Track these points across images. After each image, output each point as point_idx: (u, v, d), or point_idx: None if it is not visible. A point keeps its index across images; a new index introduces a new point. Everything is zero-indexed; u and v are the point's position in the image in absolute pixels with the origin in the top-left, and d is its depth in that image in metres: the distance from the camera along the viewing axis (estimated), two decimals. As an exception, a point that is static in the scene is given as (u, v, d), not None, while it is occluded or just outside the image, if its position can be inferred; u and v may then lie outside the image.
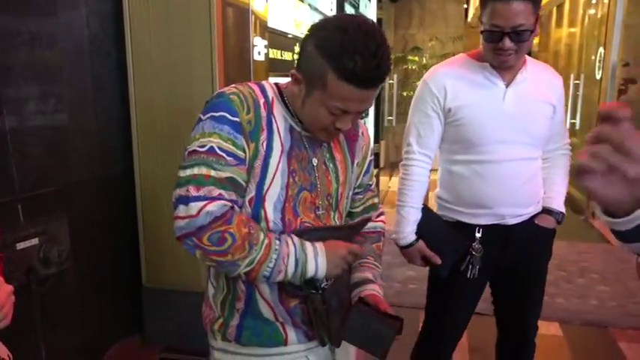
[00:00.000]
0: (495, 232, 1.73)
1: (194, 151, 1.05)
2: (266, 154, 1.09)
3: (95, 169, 2.48)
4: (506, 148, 1.67)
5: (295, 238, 1.09)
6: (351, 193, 1.30)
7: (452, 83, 1.68)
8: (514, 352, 2.03)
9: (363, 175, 1.33)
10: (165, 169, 2.50)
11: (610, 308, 3.29)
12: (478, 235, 1.73)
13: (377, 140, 6.11)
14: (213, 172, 1.03)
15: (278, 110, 1.13)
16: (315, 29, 1.08)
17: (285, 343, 1.18)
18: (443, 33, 8.71)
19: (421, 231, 1.76)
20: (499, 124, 1.66)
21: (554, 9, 8.25)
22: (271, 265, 1.04)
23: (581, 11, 7.02)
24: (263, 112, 1.10)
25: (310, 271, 1.08)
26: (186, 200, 1.02)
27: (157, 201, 2.55)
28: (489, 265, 1.77)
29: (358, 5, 5.95)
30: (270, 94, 1.14)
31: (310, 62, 1.06)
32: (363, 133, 1.32)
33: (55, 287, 2.26)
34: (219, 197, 1.02)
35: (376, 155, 5.79)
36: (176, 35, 2.35)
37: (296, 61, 1.12)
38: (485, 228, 1.73)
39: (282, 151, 1.12)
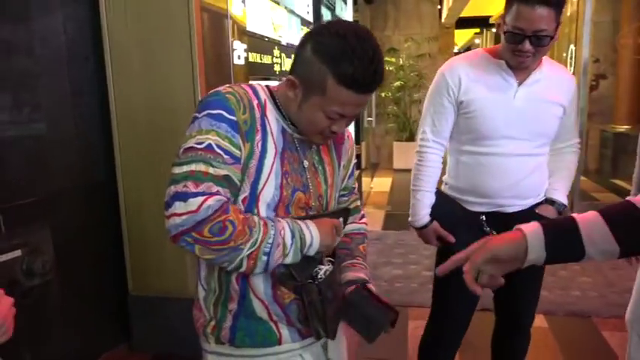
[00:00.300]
0: (495, 218, 1.81)
1: (191, 147, 1.03)
2: (261, 155, 1.09)
3: (76, 177, 2.44)
4: (512, 143, 1.75)
5: (284, 218, 1.10)
6: (337, 195, 1.31)
7: (467, 76, 1.76)
8: (510, 342, 2.08)
9: (348, 178, 1.35)
10: (148, 174, 2.48)
11: (592, 298, 3.36)
12: (483, 218, 1.82)
13: (357, 142, 6.14)
14: (211, 170, 1.01)
15: (271, 112, 1.14)
16: (312, 35, 1.09)
17: (279, 342, 1.17)
18: (418, 34, 8.80)
19: (435, 213, 1.86)
20: (508, 119, 1.73)
21: (526, 8, 8.40)
22: (270, 241, 1.04)
23: (551, 10, 7.17)
24: (257, 113, 1.10)
25: (307, 240, 1.09)
26: (184, 196, 0.99)
27: (141, 207, 2.52)
28: None
29: (334, 7, 5.98)
30: (263, 96, 1.14)
31: (308, 67, 1.06)
32: (348, 137, 1.34)
33: (40, 299, 2.22)
34: (217, 193, 1.01)
35: (357, 157, 5.82)
36: (155, 39, 2.33)
37: (291, 66, 1.12)
38: (487, 215, 1.82)
39: (275, 153, 1.12)
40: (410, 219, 1.90)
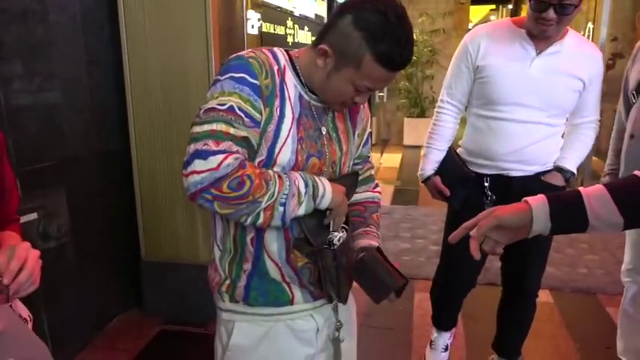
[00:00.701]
0: (499, 181, 1.91)
1: (212, 108, 1.05)
2: (279, 120, 1.11)
3: (92, 144, 2.48)
4: (521, 110, 1.81)
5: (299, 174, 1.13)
6: (352, 163, 1.33)
7: (486, 43, 1.83)
8: (516, 311, 2.15)
9: (363, 147, 1.36)
10: (161, 142, 2.51)
11: (598, 276, 3.38)
12: (486, 184, 1.92)
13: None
14: (232, 130, 1.03)
15: (289, 78, 1.14)
16: (352, 8, 1.09)
17: (291, 302, 1.21)
18: (432, 9, 8.65)
19: (440, 169, 2.01)
20: (520, 87, 1.79)
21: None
22: (286, 191, 1.06)
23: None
24: (277, 79, 1.11)
25: (320, 189, 1.11)
26: (205, 154, 1.01)
27: (154, 175, 2.56)
28: None
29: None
30: (282, 61, 1.15)
31: (345, 39, 1.07)
32: (364, 106, 1.34)
33: (55, 261, 2.28)
34: (237, 153, 1.03)
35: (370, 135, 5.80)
36: (170, 7, 2.34)
37: (321, 34, 1.13)
38: (491, 177, 1.92)
39: (293, 118, 1.13)
40: (419, 172, 2.07)
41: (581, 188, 0.94)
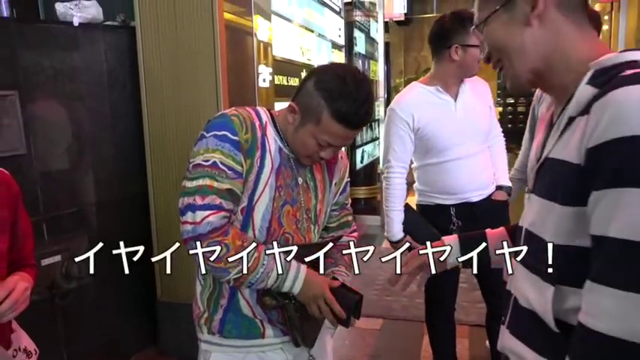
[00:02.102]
0: (464, 208, 2.18)
1: (199, 164, 1.20)
2: (259, 170, 1.24)
3: (113, 191, 2.68)
4: (462, 148, 2.12)
5: (282, 257, 1.21)
6: (329, 210, 1.45)
7: (416, 108, 2.11)
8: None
9: (340, 195, 1.48)
10: (176, 190, 2.67)
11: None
12: (453, 212, 2.18)
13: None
14: (215, 184, 1.18)
15: (270, 133, 1.28)
16: (316, 72, 1.26)
17: (262, 336, 1.32)
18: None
19: (406, 228, 2.18)
20: (455, 130, 2.11)
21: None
22: (257, 276, 1.19)
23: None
24: (258, 133, 1.25)
25: (285, 288, 1.24)
26: (193, 208, 1.17)
27: (170, 219, 2.72)
28: None
29: (369, 29, 6.16)
30: (264, 118, 1.29)
31: (309, 99, 1.22)
32: (342, 157, 1.48)
33: (76, 300, 2.44)
34: (220, 206, 1.17)
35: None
36: (184, 65, 2.56)
37: (294, 94, 1.29)
38: (456, 207, 2.18)
39: (271, 169, 1.26)
40: (386, 234, 2.23)
41: (487, 230, 1.13)
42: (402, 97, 2.20)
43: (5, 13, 2.16)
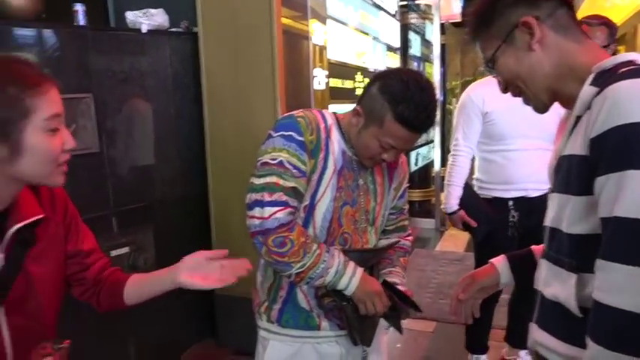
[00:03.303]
0: (522, 202, 2.30)
1: (266, 162, 1.27)
2: (322, 171, 1.30)
3: (176, 189, 2.82)
4: (527, 141, 2.25)
5: (342, 256, 1.29)
6: (387, 213, 1.48)
7: (488, 93, 2.23)
8: (530, 301, 2.31)
9: (398, 199, 1.52)
10: (234, 189, 2.79)
11: None
12: (511, 205, 2.31)
13: (443, 164, 6.15)
14: (281, 182, 1.25)
15: (335, 135, 1.34)
16: (381, 77, 1.32)
17: (318, 328, 1.38)
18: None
19: (462, 203, 2.37)
20: (522, 122, 2.19)
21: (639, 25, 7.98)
22: (317, 271, 1.25)
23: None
24: (323, 135, 1.31)
25: (341, 286, 1.28)
26: (261, 204, 1.24)
27: (228, 216, 2.83)
28: (519, 228, 2.35)
29: (424, 32, 6.13)
30: (330, 121, 1.36)
31: (373, 102, 1.27)
32: (402, 163, 1.51)
33: (141, 291, 2.59)
34: (286, 203, 1.24)
35: (442, 178, 5.84)
36: (243, 69, 2.66)
37: (359, 98, 1.34)
38: (515, 200, 2.31)
39: (334, 170, 1.32)
40: (442, 206, 2.55)
41: (532, 247, 1.18)
42: (478, 85, 2.39)
43: (82, 22, 2.34)
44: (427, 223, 5.69)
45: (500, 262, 1.19)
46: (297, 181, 1.26)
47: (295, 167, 1.26)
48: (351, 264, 1.29)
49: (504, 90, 1.05)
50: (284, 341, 1.39)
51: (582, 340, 0.84)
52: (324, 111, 1.40)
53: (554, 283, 0.94)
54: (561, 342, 0.93)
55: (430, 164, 6.14)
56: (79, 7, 2.31)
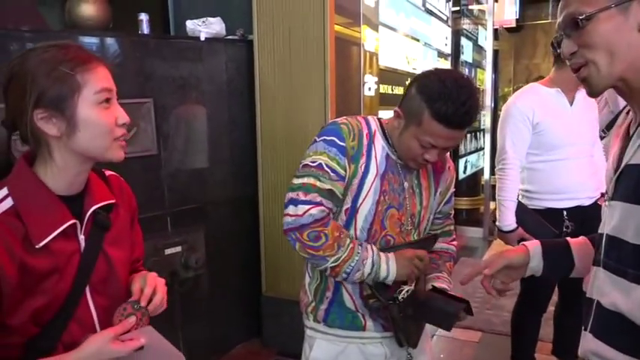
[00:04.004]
0: (576, 212, 2.25)
1: (307, 165, 1.32)
2: (363, 175, 1.33)
3: (228, 191, 2.91)
4: (574, 149, 2.24)
5: (374, 247, 1.33)
6: (431, 217, 1.50)
7: (537, 104, 2.24)
8: (574, 311, 2.22)
9: (445, 204, 1.52)
10: (283, 192, 2.84)
11: None
12: (565, 216, 2.25)
13: (493, 172, 6.02)
14: (318, 183, 1.29)
15: (378, 140, 1.37)
16: (419, 77, 1.33)
17: (363, 328, 1.40)
18: (570, 61, 8.34)
19: (518, 219, 2.27)
20: (569, 131, 2.21)
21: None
22: (352, 264, 1.28)
23: None
24: (365, 141, 1.34)
25: (383, 273, 1.30)
26: (295, 202, 1.29)
27: (277, 221, 2.89)
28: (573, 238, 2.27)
29: (477, 38, 6.03)
30: (374, 127, 1.39)
31: (411, 102, 1.29)
32: (449, 168, 1.52)
33: (192, 289, 2.69)
34: (321, 203, 1.28)
35: (492, 187, 5.72)
36: (295, 76, 2.72)
37: (400, 101, 1.37)
38: (569, 210, 2.26)
39: (376, 174, 1.35)
40: (498, 224, 2.34)
41: (568, 238, 1.14)
42: (523, 94, 2.34)
43: (146, 31, 2.46)
44: (475, 232, 5.59)
45: (533, 245, 1.14)
46: (334, 184, 1.30)
47: (334, 171, 1.30)
48: (382, 253, 1.32)
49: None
50: (330, 340, 1.43)
51: None
52: (369, 117, 1.43)
53: (614, 293, 0.91)
54: (620, 353, 0.90)
55: (479, 172, 6.03)
56: (144, 17, 2.44)
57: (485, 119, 5.84)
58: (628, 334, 0.89)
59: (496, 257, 1.14)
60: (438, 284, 1.44)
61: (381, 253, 1.32)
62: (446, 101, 1.22)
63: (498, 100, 7.14)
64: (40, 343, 0.95)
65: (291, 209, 1.30)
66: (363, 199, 1.34)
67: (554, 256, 1.12)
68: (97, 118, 0.97)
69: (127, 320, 0.99)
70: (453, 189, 1.54)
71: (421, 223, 1.44)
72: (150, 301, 1.03)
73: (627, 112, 1.00)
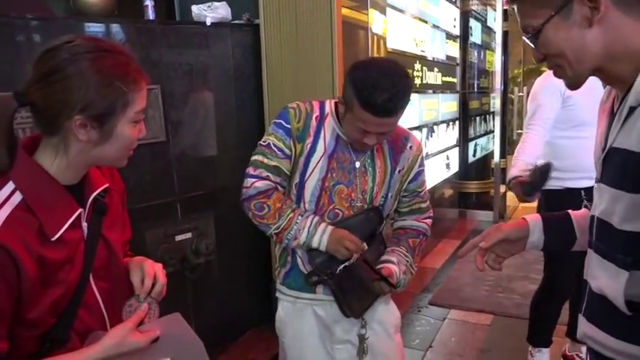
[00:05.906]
0: (592, 192, 2.11)
1: (260, 144, 1.52)
2: (309, 154, 1.49)
3: (237, 177, 2.87)
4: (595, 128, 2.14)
5: (315, 219, 1.47)
6: (390, 194, 1.58)
7: None
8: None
9: (409, 183, 1.62)
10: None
11: None
12: (583, 194, 2.23)
13: (503, 155, 5.98)
14: (265, 160, 1.48)
15: (329, 123, 1.51)
16: (351, 67, 1.43)
17: (314, 291, 1.56)
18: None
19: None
20: (596, 109, 2.05)
21: None
22: (292, 232, 1.46)
23: None
24: (313, 122, 1.49)
25: (315, 244, 1.46)
26: (246, 176, 1.50)
27: (286, 205, 2.90)
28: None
29: (486, 19, 5.94)
30: (327, 110, 1.53)
31: (345, 91, 1.41)
32: (411, 147, 1.60)
33: (203, 275, 2.70)
34: (267, 178, 1.47)
35: (502, 170, 5.68)
36: (302, 60, 2.70)
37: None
38: (586, 190, 2.21)
39: (324, 153, 1.49)
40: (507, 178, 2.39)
41: (569, 211, 1.10)
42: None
43: (152, 16, 2.44)
44: (485, 216, 5.56)
45: (533, 219, 1.09)
46: (280, 162, 1.48)
47: (280, 149, 1.48)
48: (323, 224, 1.47)
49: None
50: (290, 301, 1.60)
51: (631, 336, 0.83)
52: (326, 101, 1.56)
53: (602, 277, 0.91)
54: (609, 336, 0.91)
55: (490, 155, 5.98)
56: (149, 2, 2.42)
57: (495, 102, 5.78)
58: (614, 317, 0.89)
59: (493, 230, 1.10)
60: (385, 256, 1.57)
61: (320, 226, 1.47)
62: (371, 91, 1.32)
63: (508, 82, 7.05)
64: (56, 333, 0.96)
65: (244, 182, 1.50)
66: (309, 175, 1.50)
67: (556, 229, 1.08)
68: (128, 134, 0.98)
69: (141, 311, 1.02)
70: (419, 168, 1.62)
71: (374, 199, 1.55)
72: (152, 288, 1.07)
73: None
